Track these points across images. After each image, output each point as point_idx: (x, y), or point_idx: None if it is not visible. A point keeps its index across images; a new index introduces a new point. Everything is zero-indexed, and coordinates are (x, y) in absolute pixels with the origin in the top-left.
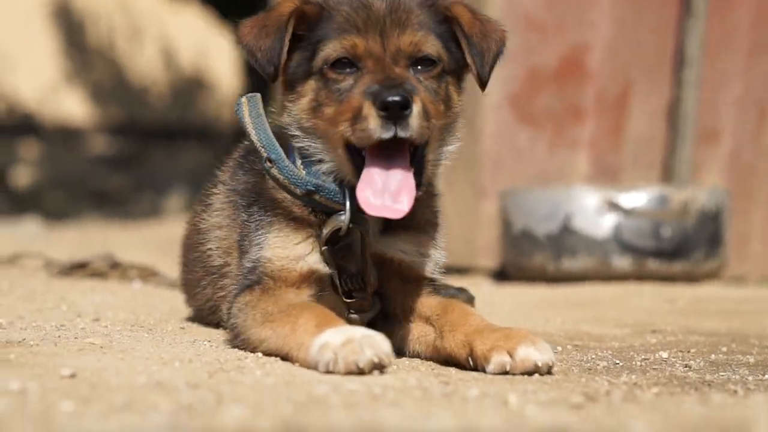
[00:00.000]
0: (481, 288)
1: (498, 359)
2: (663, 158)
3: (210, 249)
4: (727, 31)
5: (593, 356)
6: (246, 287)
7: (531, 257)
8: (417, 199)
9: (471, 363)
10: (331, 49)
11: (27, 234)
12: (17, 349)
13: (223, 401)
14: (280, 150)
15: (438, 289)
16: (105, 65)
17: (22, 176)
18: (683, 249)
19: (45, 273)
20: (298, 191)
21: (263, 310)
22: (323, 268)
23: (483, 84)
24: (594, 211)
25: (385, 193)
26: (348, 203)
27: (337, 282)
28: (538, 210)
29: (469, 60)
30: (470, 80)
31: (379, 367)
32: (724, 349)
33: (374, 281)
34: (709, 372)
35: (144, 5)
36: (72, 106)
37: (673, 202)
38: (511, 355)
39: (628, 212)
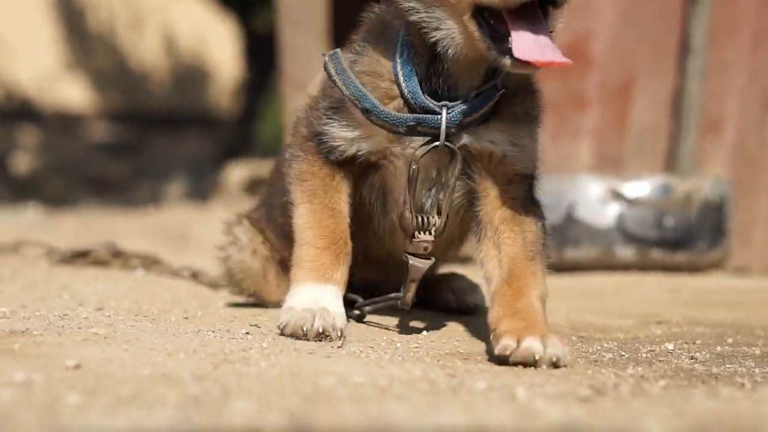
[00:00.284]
0: None
1: (504, 342)
2: (667, 148)
3: None
4: (731, 19)
5: (599, 348)
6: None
7: None
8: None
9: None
10: None
11: (27, 221)
12: (21, 339)
13: (229, 394)
14: (373, 99)
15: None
16: (105, 52)
17: (22, 163)
18: (687, 239)
19: (46, 261)
20: (400, 129)
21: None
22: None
23: None
24: (597, 201)
25: (544, 48)
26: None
27: (409, 211)
28: (541, 199)
29: None
30: None
31: (324, 337)
32: (730, 340)
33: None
34: (715, 364)
35: None
36: (72, 93)
37: (677, 192)
38: (518, 343)
39: (631, 202)
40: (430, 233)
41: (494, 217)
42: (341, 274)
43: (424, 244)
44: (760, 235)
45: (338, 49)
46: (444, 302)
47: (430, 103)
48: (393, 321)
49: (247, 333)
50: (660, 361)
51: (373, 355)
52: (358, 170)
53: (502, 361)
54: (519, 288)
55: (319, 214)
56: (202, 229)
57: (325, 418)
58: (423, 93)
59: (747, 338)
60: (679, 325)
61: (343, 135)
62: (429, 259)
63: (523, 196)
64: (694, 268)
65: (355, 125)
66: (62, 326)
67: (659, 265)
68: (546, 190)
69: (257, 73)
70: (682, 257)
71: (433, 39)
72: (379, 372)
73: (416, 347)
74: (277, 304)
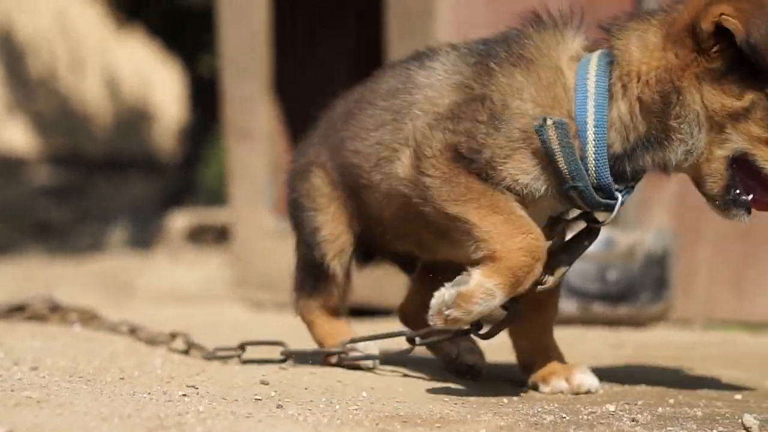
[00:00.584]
0: None
1: (556, 384)
2: None
3: None
4: None
5: (539, 409)
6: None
7: None
8: None
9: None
10: None
11: None
12: None
13: None
14: (587, 179)
15: None
16: (47, 95)
17: None
18: (629, 292)
19: None
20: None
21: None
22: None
23: None
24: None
25: None
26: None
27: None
28: None
29: None
30: None
31: None
32: (671, 401)
33: None
34: (656, 426)
35: (87, 34)
36: (14, 136)
37: (620, 246)
38: (567, 381)
39: None
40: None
41: None
42: None
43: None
44: (703, 285)
45: (564, 120)
46: (445, 354)
47: (613, 187)
48: (334, 377)
49: (184, 395)
50: (601, 423)
51: (311, 419)
52: None
53: None
54: (549, 320)
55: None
56: (145, 279)
57: None
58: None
59: (689, 398)
60: (621, 383)
61: (519, 178)
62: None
63: None
64: (636, 322)
65: (537, 173)
66: None
67: (601, 319)
68: None
69: (202, 116)
70: (624, 311)
71: (675, 147)
72: None
73: (356, 409)
74: None
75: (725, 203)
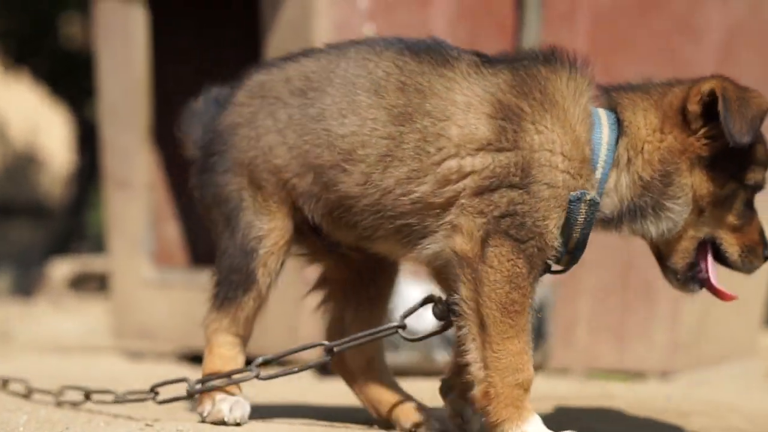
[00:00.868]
0: (301, 381)
1: None
2: None
3: None
4: None
5: None
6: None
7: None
8: None
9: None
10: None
11: None
12: None
13: None
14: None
15: None
16: None
17: None
18: None
19: None
20: None
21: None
22: None
23: None
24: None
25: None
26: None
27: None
28: None
29: None
30: None
31: None
32: None
33: None
34: None
35: None
36: None
37: None
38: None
39: None
40: None
41: None
42: None
43: None
44: (583, 335)
45: (598, 199)
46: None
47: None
48: None
49: None
50: None
51: None
52: None
53: None
54: None
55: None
56: (24, 328)
57: None
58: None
59: None
60: None
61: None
62: None
63: None
64: None
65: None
66: None
67: None
68: None
69: (89, 162)
70: None
71: (660, 222)
72: None
73: None
74: None
75: (685, 279)
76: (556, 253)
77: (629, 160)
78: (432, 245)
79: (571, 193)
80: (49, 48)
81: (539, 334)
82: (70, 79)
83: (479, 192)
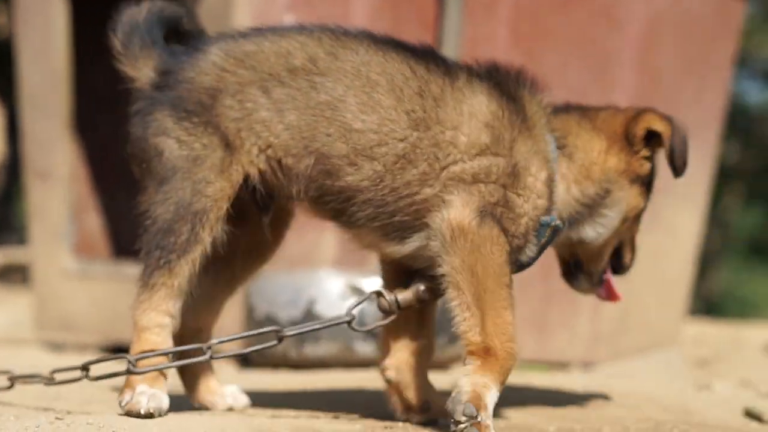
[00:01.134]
0: (222, 373)
1: None
2: None
3: None
4: None
5: None
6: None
7: None
8: None
9: None
10: None
11: None
12: None
13: None
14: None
15: None
16: None
17: None
18: None
19: None
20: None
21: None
22: None
23: None
24: (337, 296)
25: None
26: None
27: None
28: (281, 295)
29: None
30: None
31: None
32: None
33: None
34: None
35: None
36: None
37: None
38: None
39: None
40: None
41: None
42: None
43: None
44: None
45: (562, 226)
46: None
47: None
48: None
49: None
50: None
51: None
52: None
53: None
54: None
55: None
56: None
57: None
58: None
59: None
60: (405, 429)
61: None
62: None
63: None
64: (435, 364)
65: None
66: None
67: None
68: (285, 285)
69: (15, 152)
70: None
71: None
72: None
73: None
74: None
75: (599, 281)
76: (527, 259)
77: (576, 180)
78: (417, 240)
79: (543, 218)
80: None
81: None
82: (3, 67)
83: (476, 181)
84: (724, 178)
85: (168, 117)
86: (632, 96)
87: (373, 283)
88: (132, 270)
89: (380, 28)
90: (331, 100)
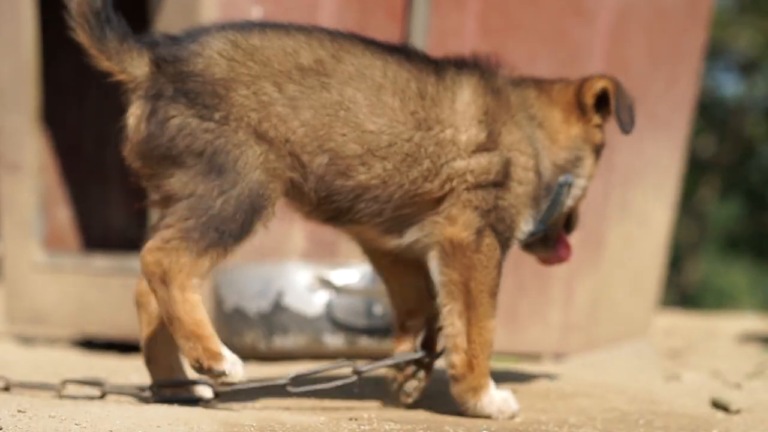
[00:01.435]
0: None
1: None
2: None
3: None
4: None
5: None
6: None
7: (242, 335)
8: None
9: None
10: None
11: None
12: None
13: None
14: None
15: None
16: None
17: None
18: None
19: None
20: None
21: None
22: None
23: None
24: (306, 289)
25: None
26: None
27: None
28: (250, 287)
29: None
30: None
31: None
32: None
33: None
34: None
35: None
36: None
37: None
38: None
39: (339, 290)
40: None
41: None
42: None
43: None
44: None
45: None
46: None
47: None
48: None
49: None
50: None
51: None
52: None
53: None
54: None
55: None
56: None
57: None
58: None
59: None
60: (371, 422)
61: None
62: None
63: None
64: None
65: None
66: None
67: (368, 353)
68: (254, 276)
69: None
70: (389, 345)
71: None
72: None
73: None
74: None
75: (554, 244)
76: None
77: (550, 147)
78: (416, 234)
79: (560, 178)
80: None
81: None
82: None
83: (476, 186)
84: (701, 170)
85: (191, 118)
86: None
87: (342, 275)
88: (102, 263)
89: (348, 20)
90: (343, 100)
